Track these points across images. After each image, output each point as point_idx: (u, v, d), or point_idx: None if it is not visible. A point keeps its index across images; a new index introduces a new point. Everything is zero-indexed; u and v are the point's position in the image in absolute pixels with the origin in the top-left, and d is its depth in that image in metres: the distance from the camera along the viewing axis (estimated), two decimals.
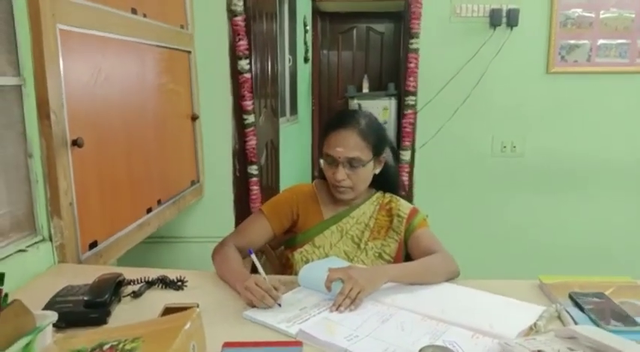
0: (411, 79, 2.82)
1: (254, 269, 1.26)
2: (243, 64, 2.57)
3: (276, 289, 1.15)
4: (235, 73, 2.59)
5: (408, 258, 1.52)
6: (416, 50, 2.78)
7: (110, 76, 1.68)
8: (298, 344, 0.95)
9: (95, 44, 1.61)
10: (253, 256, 1.24)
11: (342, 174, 1.44)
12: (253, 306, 1.14)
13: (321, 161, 1.51)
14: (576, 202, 3.00)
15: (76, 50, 1.49)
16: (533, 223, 3.04)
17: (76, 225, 1.47)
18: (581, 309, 1.10)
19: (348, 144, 1.43)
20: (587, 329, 0.92)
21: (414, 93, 2.85)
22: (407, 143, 2.89)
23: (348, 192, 1.48)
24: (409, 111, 2.86)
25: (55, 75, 1.37)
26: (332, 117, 1.55)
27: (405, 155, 2.89)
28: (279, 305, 1.13)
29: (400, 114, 3.08)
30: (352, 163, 1.44)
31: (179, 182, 2.35)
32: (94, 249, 1.57)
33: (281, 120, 4.00)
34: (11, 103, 1.30)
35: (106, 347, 0.87)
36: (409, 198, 2.86)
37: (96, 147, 1.59)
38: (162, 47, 2.13)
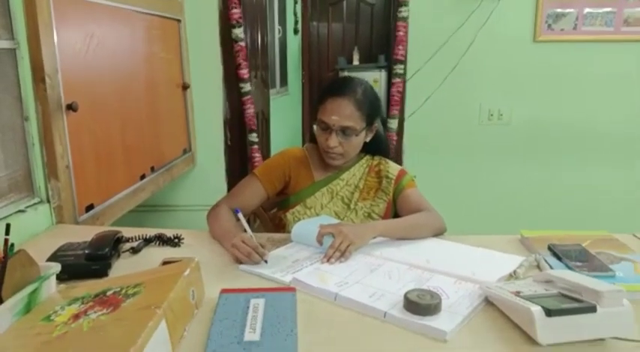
0: (400, 47, 2.84)
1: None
2: (238, 32, 2.58)
3: (262, 246, 1.18)
4: (226, 42, 2.60)
5: (396, 217, 1.57)
6: (405, 18, 2.78)
7: (102, 43, 1.70)
8: (292, 289, 1.00)
9: (87, 10, 1.63)
10: (240, 215, 1.28)
11: (334, 141, 1.47)
12: (240, 263, 1.18)
13: (315, 126, 1.54)
14: (560, 169, 3.07)
15: (68, 15, 1.50)
16: (519, 188, 3.11)
17: (72, 187, 1.50)
18: (559, 258, 1.17)
19: (344, 112, 1.46)
20: (562, 273, 0.98)
21: (403, 62, 2.87)
22: (394, 112, 2.92)
23: (338, 158, 1.53)
24: (397, 79, 2.88)
25: (49, 39, 1.39)
26: (329, 83, 1.57)
27: (393, 123, 2.92)
28: (266, 261, 1.16)
29: (390, 86, 3.10)
30: (345, 132, 1.47)
31: (171, 150, 2.38)
32: (91, 212, 1.61)
33: (271, 92, 4.01)
34: (6, 66, 1.31)
35: (109, 293, 0.92)
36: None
37: (90, 112, 1.61)
38: (153, 15, 2.13)
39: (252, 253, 1.16)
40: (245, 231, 1.25)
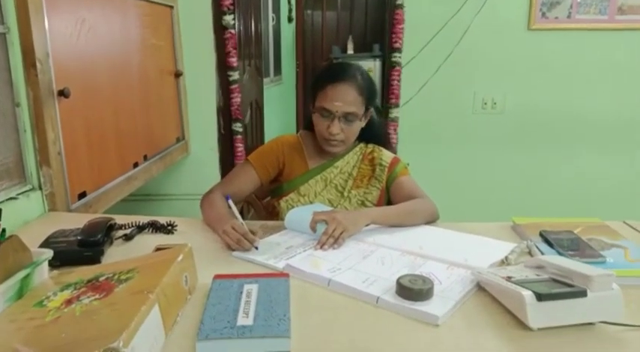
0: (393, 35, 2.82)
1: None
2: (229, 19, 2.56)
3: (253, 233, 1.18)
4: (219, 29, 2.58)
5: (389, 205, 1.57)
6: (401, 6, 2.77)
7: (94, 28, 1.68)
8: (285, 275, 1.00)
9: None
10: (231, 202, 1.28)
11: (337, 128, 1.46)
12: (232, 250, 1.18)
13: (314, 114, 1.51)
14: (553, 157, 3.08)
15: None
16: (512, 176, 3.12)
17: (64, 174, 1.50)
18: (551, 245, 1.17)
19: (347, 98, 1.45)
20: (553, 258, 0.98)
21: (401, 50, 2.85)
22: (394, 101, 2.91)
23: (339, 145, 1.51)
24: (396, 68, 2.87)
25: (40, 23, 1.37)
26: (327, 70, 1.55)
27: (393, 112, 2.91)
28: (256, 248, 1.15)
29: (384, 75, 3.09)
30: (348, 118, 1.46)
31: (164, 138, 2.37)
32: (83, 200, 1.61)
33: (265, 80, 3.99)
34: None
35: (101, 278, 0.92)
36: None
37: (82, 98, 1.60)
38: (145, 0, 2.11)
39: (242, 239, 1.16)
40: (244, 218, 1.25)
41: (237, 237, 1.17)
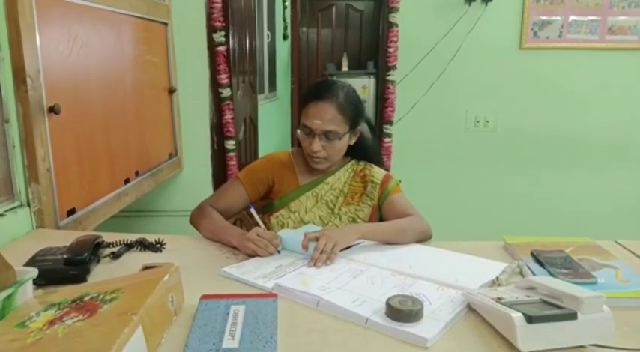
0: (391, 53, 2.84)
1: None
2: (217, 36, 2.56)
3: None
4: (213, 46, 2.59)
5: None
6: (395, 24, 2.79)
7: (87, 44, 1.68)
8: (273, 295, 0.99)
9: (71, 11, 1.61)
10: (252, 210, 1.40)
11: (317, 145, 1.47)
12: (253, 256, 1.25)
13: (298, 131, 1.53)
14: (544, 175, 3.10)
15: (51, 16, 1.48)
16: (503, 195, 3.13)
17: (54, 191, 1.48)
18: (542, 265, 1.17)
19: (326, 116, 1.46)
20: (544, 279, 0.98)
21: (396, 68, 2.86)
22: (391, 117, 2.92)
23: (323, 162, 1.52)
24: (390, 86, 2.87)
25: (31, 40, 1.37)
26: (311, 88, 1.56)
27: (389, 129, 2.91)
28: (279, 251, 1.26)
29: (379, 93, 3.10)
30: (328, 136, 1.47)
31: (157, 154, 2.36)
32: (72, 216, 1.59)
33: (259, 97, 4.00)
34: None
35: (86, 298, 0.91)
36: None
37: (73, 114, 1.59)
38: (139, 18, 2.12)
39: (269, 244, 1.24)
40: (257, 225, 1.37)
41: (265, 242, 1.24)
